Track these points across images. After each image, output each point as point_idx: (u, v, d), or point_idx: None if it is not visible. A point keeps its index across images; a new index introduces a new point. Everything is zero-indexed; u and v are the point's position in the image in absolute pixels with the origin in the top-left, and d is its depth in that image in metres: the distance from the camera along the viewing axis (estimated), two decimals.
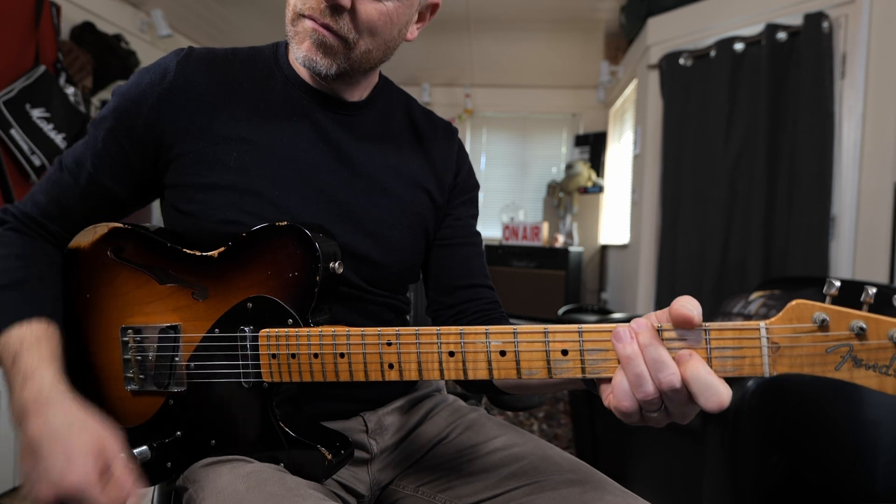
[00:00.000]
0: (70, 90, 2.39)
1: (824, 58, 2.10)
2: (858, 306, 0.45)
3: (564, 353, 0.50)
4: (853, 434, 1.32)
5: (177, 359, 0.65)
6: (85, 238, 0.71)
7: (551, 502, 0.63)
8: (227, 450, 0.65)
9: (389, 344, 0.56)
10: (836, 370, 0.44)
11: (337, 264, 0.62)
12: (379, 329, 0.56)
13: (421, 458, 0.77)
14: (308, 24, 0.64)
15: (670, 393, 0.45)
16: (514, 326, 0.53)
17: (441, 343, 0.54)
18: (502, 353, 0.52)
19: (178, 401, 0.66)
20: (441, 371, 0.54)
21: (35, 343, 0.61)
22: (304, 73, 0.74)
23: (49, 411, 0.56)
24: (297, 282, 0.61)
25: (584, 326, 0.50)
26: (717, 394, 0.43)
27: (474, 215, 0.87)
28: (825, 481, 1.30)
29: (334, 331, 0.58)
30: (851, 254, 2.07)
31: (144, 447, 0.64)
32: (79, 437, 0.55)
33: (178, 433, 0.66)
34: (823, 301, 0.45)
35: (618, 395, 0.47)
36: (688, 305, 0.46)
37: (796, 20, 2.21)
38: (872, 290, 0.43)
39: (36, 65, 2.25)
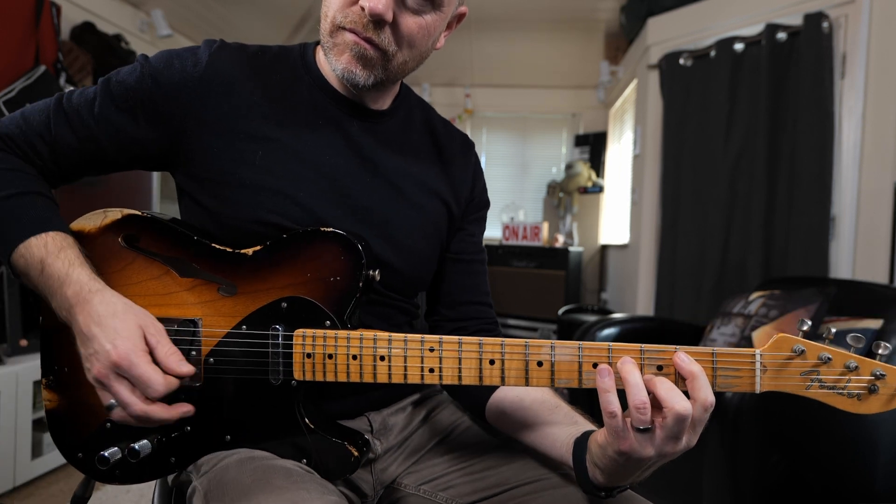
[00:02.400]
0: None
1: (824, 58, 2.10)
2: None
3: (594, 366, 0.57)
4: (853, 434, 1.32)
5: (193, 353, 0.64)
6: (92, 221, 0.69)
7: (552, 500, 0.63)
8: (243, 445, 0.65)
9: (432, 350, 0.59)
10: (806, 389, 0.57)
11: (376, 272, 0.65)
12: (422, 336, 0.60)
13: (423, 458, 0.77)
14: (349, 37, 0.64)
15: (643, 407, 0.52)
16: (552, 341, 0.57)
17: (483, 352, 0.59)
18: (539, 364, 0.58)
19: (190, 396, 0.65)
20: (480, 377, 0.59)
21: (59, 250, 0.62)
22: (331, 78, 0.73)
23: (93, 302, 0.59)
24: (339, 286, 0.63)
25: (614, 344, 0.57)
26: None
27: (483, 231, 0.88)
28: (825, 481, 1.30)
29: (375, 335, 0.60)
30: (851, 254, 2.07)
31: (145, 440, 0.64)
32: (122, 321, 0.58)
33: (187, 428, 0.65)
34: (797, 335, 0.57)
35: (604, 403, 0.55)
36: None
37: (796, 20, 2.21)
38: (833, 329, 0.57)
39: (36, 65, 2.25)
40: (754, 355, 0.57)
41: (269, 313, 0.63)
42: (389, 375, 0.60)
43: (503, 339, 0.58)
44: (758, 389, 0.57)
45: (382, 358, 0.60)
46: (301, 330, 0.62)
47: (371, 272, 0.64)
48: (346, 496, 0.70)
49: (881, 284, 1.67)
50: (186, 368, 0.59)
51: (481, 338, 0.58)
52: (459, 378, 0.59)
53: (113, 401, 0.58)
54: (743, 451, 1.24)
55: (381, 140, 0.75)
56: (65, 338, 0.68)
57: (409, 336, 0.60)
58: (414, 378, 0.60)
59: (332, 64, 0.67)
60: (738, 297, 1.88)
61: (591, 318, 2.96)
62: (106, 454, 0.62)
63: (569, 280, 3.67)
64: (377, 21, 0.62)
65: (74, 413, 0.68)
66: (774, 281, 1.93)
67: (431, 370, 0.60)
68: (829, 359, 0.55)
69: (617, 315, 2.40)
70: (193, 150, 0.68)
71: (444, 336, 0.59)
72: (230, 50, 0.71)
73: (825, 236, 2.09)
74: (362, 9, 0.62)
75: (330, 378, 0.61)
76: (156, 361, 0.59)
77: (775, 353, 0.57)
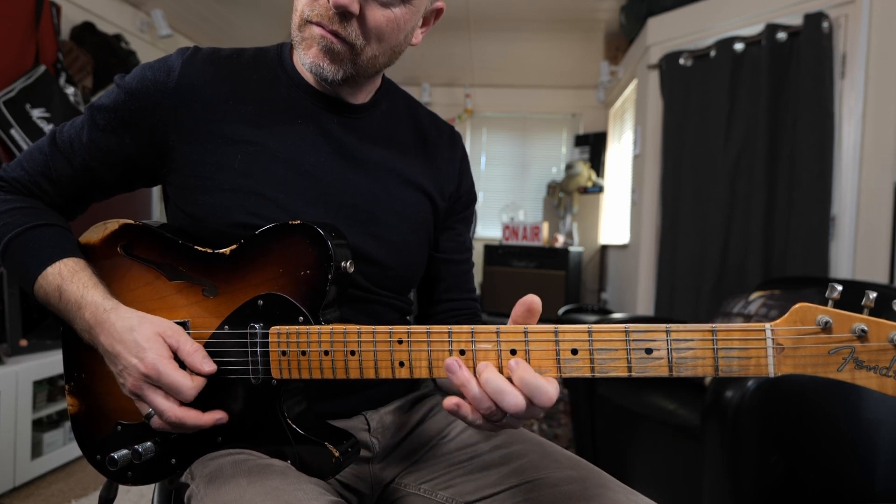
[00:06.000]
0: (70, 90, 2.39)
1: (824, 58, 2.10)
2: (859, 309, 0.46)
3: (574, 352, 0.51)
4: (853, 434, 1.32)
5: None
6: (95, 234, 0.72)
7: (552, 499, 0.63)
8: (234, 446, 0.65)
9: (400, 342, 0.56)
10: (838, 371, 0.46)
11: (348, 263, 0.63)
12: (390, 327, 0.57)
13: (422, 457, 0.77)
14: (316, 30, 0.64)
15: (518, 413, 0.49)
16: (525, 326, 0.53)
17: (452, 342, 0.54)
18: (513, 352, 0.53)
19: None
20: None
21: (73, 275, 0.65)
22: (308, 76, 0.74)
23: (110, 322, 0.61)
24: (309, 280, 0.62)
25: (594, 326, 0.51)
26: (545, 393, 0.48)
27: (469, 229, 0.89)
28: (824, 481, 1.30)
29: (345, 328, 0.58)
30: (851, 254, 2.07)
31: (149, 443, 0.64)
32: (140, 333, 0.60)
33: None
34: (826, 304, 0.47)
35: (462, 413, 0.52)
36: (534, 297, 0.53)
37: (796, 20, 2.21)
38: (873, 295, 0.44)
39: (36, 65, 2.25)
40: (763, 331, 0.47)
41: (247, 312, 0.63)
42: (360, 370, 0.58)
43: (473, 326, 0.54)
44: (771, 373, 0.47)
45: (353, 352, 0.58)
46: (276, 327, 0.61)
47: (343, 263, 0.62)
48: (343, 496, 0.70)
49: (881, 284, 1.67)
50: (209, 367, 0.61)
51: (451, 326, 0.54)
52: (430, 371, 0.55)
53: (150, 410, 0.60)
54: (743, 451, 1.24)
55: (363, 135, 0.75)
56: (81, 346, 0.70)
57: (378, 328, 0.57)
58: (385, 372, 0.57)
59: (301, 58, 0.67)
60: (738, 298, 1.88)
61: (592, 318, 2.97)
62: (116, 456, 0.64)
63: (569, 280, 3.67)
64: (342, 13, 0.62)
65: (92, 417, 0.71)
66: (774, 281, 1.93)
67: (402, 363, 0.56)
68: (864, 332, 0.45)
69: (617, 315, 2.40)
70: (175, 158, 0.69)
71: (412, 327, 0.56)
72: (203, 56, 0.71)
73: (825, 236, 2.09)
74: (328, 1, 0.62)
75: (305, 375, 0.60)
76: (180, 362, 0.61)
77: (793, 327, 0.47)
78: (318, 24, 0.64)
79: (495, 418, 0.51)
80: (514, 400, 0.49)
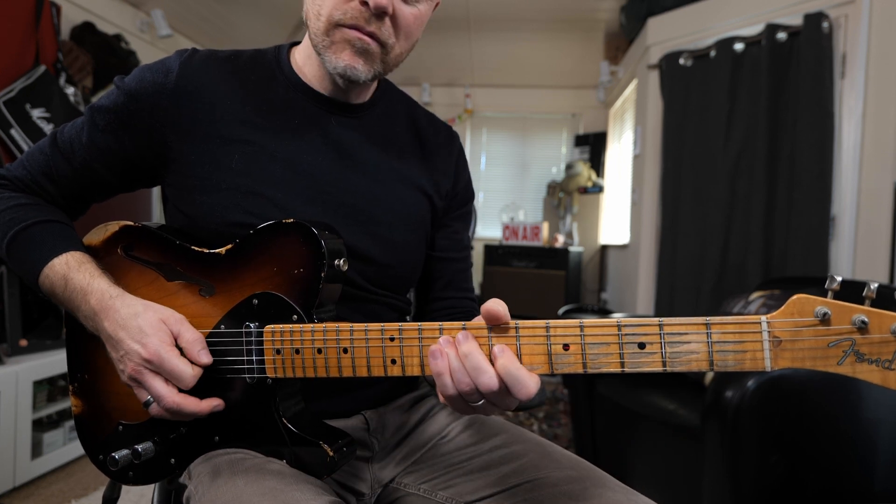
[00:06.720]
0: (70, 90, 2.39)
1: (824, 58, 2.10)
2: (860, 302, 0.45)
3: (566, 347, 0.51)
4: (853, 434, 1.32)
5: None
6: (96, 236, 0.73)
7: (552, 498, 0.63)
8: (231, 445, 0.65)
9: (392, 339, 0.56)
10: (838, 364, 0.44)
11: (342, 261, 0.63)
12: (382, 325, 0.57)
13: (422, 457, 0.77)
14: (352, 33, 0.65)
15: (489, 393, 0.51)
16: (517, 321, 0.53)
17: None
18: None
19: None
20: None
21: (79, 265, 0.66)
22: (306, 77, 0.74)
23: (114, 308, 0.62)
24: (303, 278, 0.62)
25: (586, 321, 0.51)
26: (525, 386, 0.49)
27: (467, 227, 0.90)
28: (824, 481, 1.30)
29: (338, 326, 0.58)
30: (851, 254, 2.07)
31: (148, 443, 0.65)
32: (144, 319, 0.61)
33: (182, 429, 0.66)
34: (825, 296, 0.45)
35: (440, 387, 0.53)
36: (496, 304, 0.52)
37: (796, 20, 2.21)
38: (874, 286, 0.43)
39: (36, 65, 2.25)
40: (759, 324, 0.45)
41: (242, 311, 0.63)
42: (353, 368, 0.58)
43: (465, 322, 0.53)
44: (768, 367, 0.45)
45: (345, 350, 0.58)
46: (270, 326, 0.61)
47: (337, 261, 0.62)
48: (342, 496, 0.70)
49: (881, 284, 1.67)
50: (206, 358, 0.62)
51: (441, 322, 0.54)
52: (423, 368, 0.55)
53: (149, 397, 0.60)
54: (743, 450, 1.24)
55: (362, 134, 0.76)
56: (84, 347, 0.71)
57: (370, 325, 0.57)
58: (377, 371, 0.57)
59: (331, 62, 0.67)
60: (738, 298, 1.88)
61: (592, 318, 2.97)
62: (116, 456, 0.64)
63: (569, 280, 3.67)
64: (380, 14, 0.63)
65: (95, 417, 0.71)
66: (774, 281, 1.93)
67: (394, 361, 0.56)
68: (865, 323, 0.42)
69: (617, 315, 2.40)
70: (174, 159, 0.69)
71: (404, 324, 0.56)
72: (201, 57, 0.72)
73: (825, 236, 2.09)
74: (364, 4, 0.63)
75: (299, 374, 0.60)
76: (180, 348, 0.61)
77: (790, 319, 0.45)
78: (354, 27, 0.65)
79: (473, 399, 0.52)
80: (489, 381, 0.50)
